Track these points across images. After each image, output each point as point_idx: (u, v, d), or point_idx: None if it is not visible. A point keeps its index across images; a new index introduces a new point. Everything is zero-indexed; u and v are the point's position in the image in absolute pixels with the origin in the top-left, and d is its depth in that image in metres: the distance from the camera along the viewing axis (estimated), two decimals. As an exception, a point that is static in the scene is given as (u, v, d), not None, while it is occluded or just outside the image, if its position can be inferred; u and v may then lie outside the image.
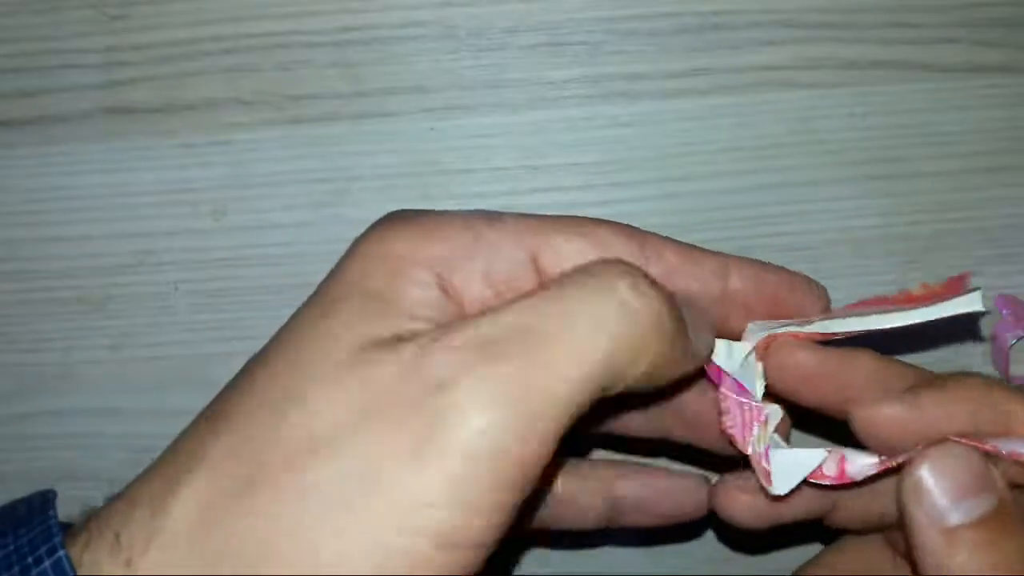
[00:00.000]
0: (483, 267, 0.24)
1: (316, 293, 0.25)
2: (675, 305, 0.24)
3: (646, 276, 0.23)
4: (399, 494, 0.20)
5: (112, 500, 0.23)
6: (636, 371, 0.22)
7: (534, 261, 0.24)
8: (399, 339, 0.22)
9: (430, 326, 0.23)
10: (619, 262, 0.24)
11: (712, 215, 0.39)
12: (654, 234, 0.26)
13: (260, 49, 0.38)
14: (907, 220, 0.39)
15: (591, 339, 0.22)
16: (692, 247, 0.27)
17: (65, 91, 0.38)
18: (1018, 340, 0.39)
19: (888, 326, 0.27)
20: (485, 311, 0.22)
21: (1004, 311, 0.39)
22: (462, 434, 0.20)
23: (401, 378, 0.21)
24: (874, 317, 0.27)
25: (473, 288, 0.24)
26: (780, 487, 0.26)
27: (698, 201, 0.39)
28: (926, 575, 0.24)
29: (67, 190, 0.39)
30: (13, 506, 0.23)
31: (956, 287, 0.27)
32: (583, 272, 0.23)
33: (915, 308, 0.27)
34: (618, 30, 0.38)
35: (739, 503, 0.28)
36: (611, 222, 0.26)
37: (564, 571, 0.41)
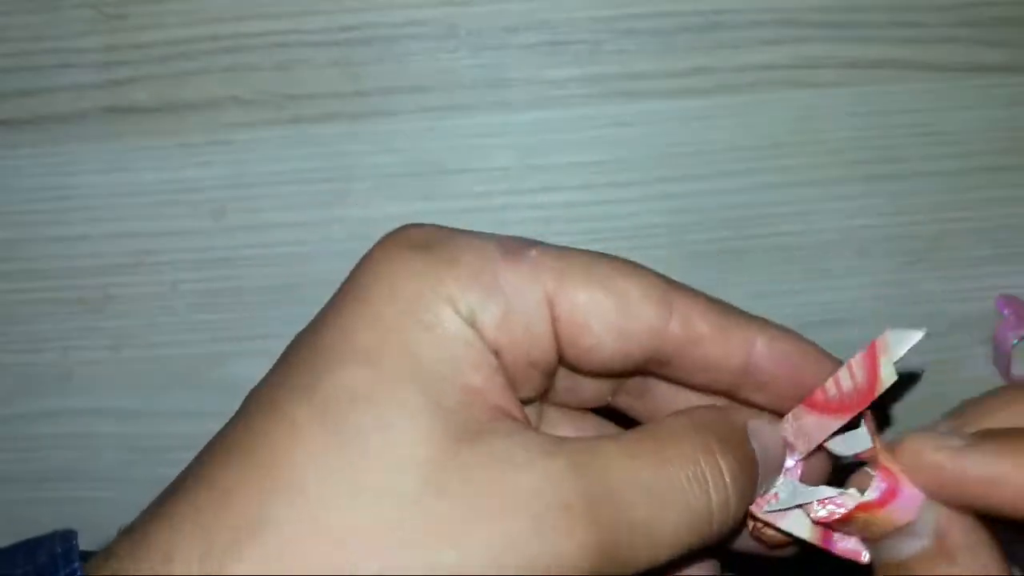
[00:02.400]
0: (501, 312, 0.23)
1: (348, 347, 0.23)
2: (750, 494, 0.24)
3: (733, 460, 0.24)
4: None
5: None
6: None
7: (550, 306, 0.24)
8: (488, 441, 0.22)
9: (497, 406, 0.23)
10: (709, 446, 0.24)
11: (713, 215, 0.38)
12: (683, 291, 0.25)
13: (259, 48, 0.38)
14: (908, 220, 0.39)
15: (674, 532, 0.23)
16: (722, 310, 0.25)
17: (64, 91, 0.38)
18: (1020, 340, 0.39)
19: (840, 452, 0.26)
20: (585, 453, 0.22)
21: (1005, 311, 0.39)
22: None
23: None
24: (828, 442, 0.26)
25: (488, 332, 0.23)
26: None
27: (698, 201, 0.38)
28: None
29: (66, 190, 0.39)
30: (33, 550, 0.23)
31: (872, 362, 0.26)
32: (677, 444, 0.23)
33: (844, 414, 0.26)
34: (618, 29, 0.38)
35: None
36: (636, 270, 0.25)
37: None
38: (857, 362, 0.26)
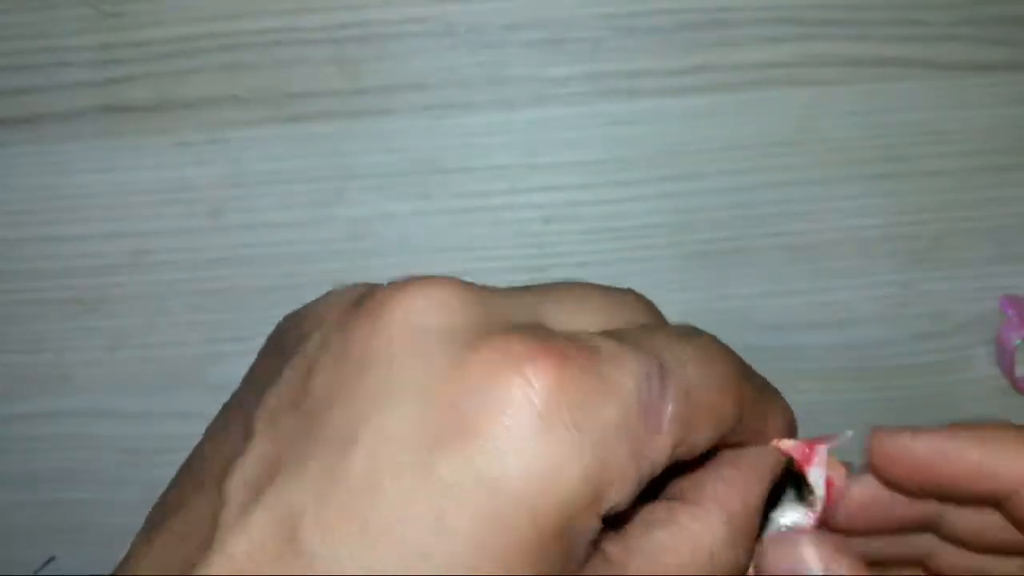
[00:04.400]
0: (637, 487, 0.22)
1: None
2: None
3: (745, 531, 0.23)
4: None
5: None
6: None
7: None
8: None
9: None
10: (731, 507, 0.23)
11: (713, 214, 0.38)
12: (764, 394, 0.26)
13: (257, 46, 0.38)
14: (910, 219, 0.39)
15: None
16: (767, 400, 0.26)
17: (61, 89, 0.38)
18: (1023, 341, 0.39)
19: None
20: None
21: (1009, 311, 0.39)
22: None
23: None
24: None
25: (617, 498, 0.23)
26: None
27: (699, 200, 0.38)
28: None
29: (62, 189, 0.38)
30: None
31: (811, 453, 0.27)
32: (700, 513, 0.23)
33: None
34: (619, 27, 0.38)
35: None
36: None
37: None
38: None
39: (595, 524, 0.20)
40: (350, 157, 0.38)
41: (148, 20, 0.38)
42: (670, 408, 0.21)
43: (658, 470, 0.21)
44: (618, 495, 0.20)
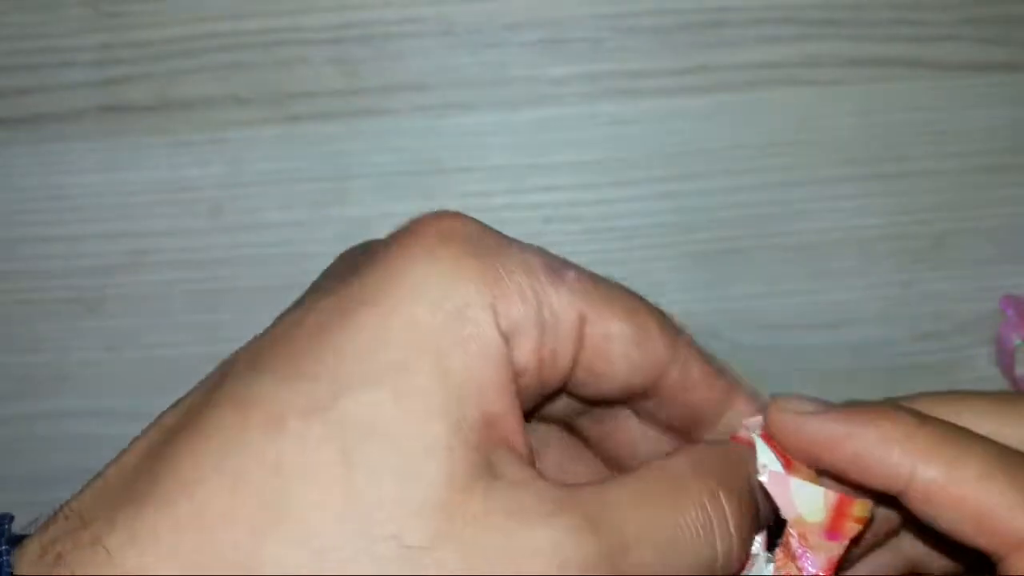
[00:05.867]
0: (538, 334, 0.23)
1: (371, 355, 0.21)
2: (751, 537, 0.24)
3: (737, 505, 0.23)
4: None
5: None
6: None
7: (579, 332, 0.23)
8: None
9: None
10: (717, 491, 0.23)
11: (714, 214, 0.38)
12: (685, 335, 0.25)
13: (257, 46, 0.38)
14: (911, 219, 0.39)
15: (672, 565, 0.22)
16: (712, 360, 0.26)
17: (60, 89, 0.38)
18: (1023, 340, 0.39)
19: None
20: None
21: (1008, 311, 0.39)
22: None
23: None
24: None
25: (521, 355, 0.22)
26: None
27: (700, 200, 0.38)
28: None
29: (62, 189, 0.38)
30: None
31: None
32: (685, 492, 0.23)
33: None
34: (619, 27, 0.38)
35: None
36: (652, 307, 0.25)
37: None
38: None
39: (499, 341, 0.21)
40: (350, 157, 0.38)
41: (147, 20, 0.38)
42: (572, 273, 0.23)
43: (562, 327, 0.22)
44: (517, 317, 0.22)
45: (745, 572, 0.26)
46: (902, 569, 0.29)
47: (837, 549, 0.25)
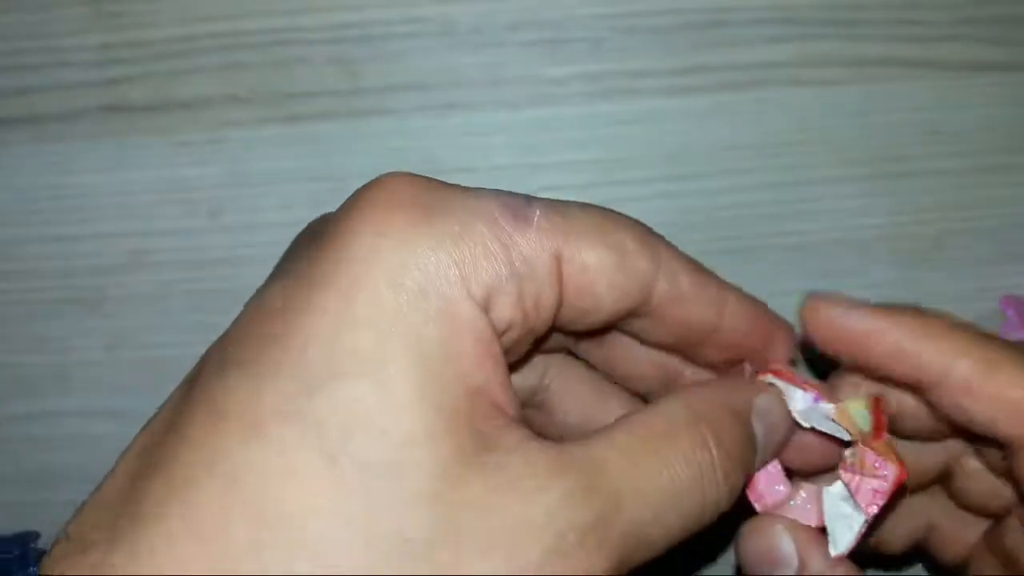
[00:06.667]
0: (516, 289, 0.22)
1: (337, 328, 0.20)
2: (741, 482, 0.24)
3: (727, 454, 0.23)
4: None
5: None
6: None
7: (557, 270, 0.23)
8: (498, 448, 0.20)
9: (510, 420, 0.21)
10: (706, 435, 0.23)
11: (715, 214, 0.38)
12: (665, 243, 0.25)
13: (256, 46, 0.38)
14: (911, 219, 0.39)
15: (670, 532, 0.22)
16: (699, 267, 0.26)
17: (60, 89, 0.38)
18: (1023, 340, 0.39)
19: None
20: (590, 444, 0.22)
21: (1009, 312, 0.39)
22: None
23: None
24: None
25: (503, 313, 0.22)
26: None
27: (700, 200, 0.38)
28: None
29: (61, 189, 0.38)
30: None
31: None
32: (675, 442, 0.23)
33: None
34: (619, 27, 0.37)
35: None
36: (626, 221, 0.24)
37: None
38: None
39: (472, 309, 0.21)
40: (349, 157, 0.38)
41: (147, 20, 0.38)
42: (537, 210, 0.22)
43: (539, 273, 0.22)
44: (489, 277, 0.21)
45: (826, 510, 0.26)
46: (923, 532, 0.29)
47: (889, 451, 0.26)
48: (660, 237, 0.25)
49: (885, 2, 0.37)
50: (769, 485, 0.27)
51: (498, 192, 0.23)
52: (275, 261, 0.39)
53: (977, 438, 0.25)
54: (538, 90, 0.38)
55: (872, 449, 0.26)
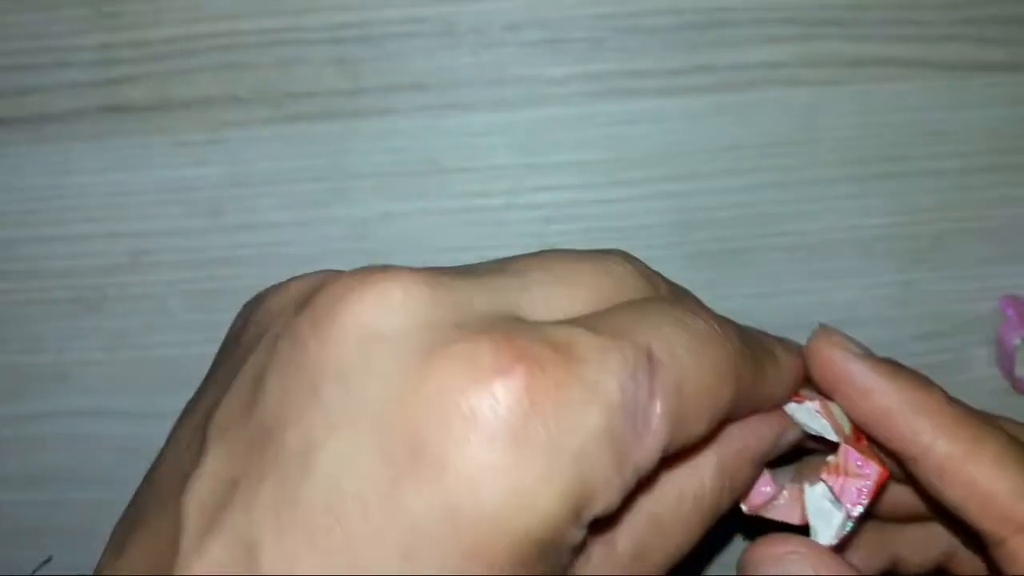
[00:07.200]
0: (618, 500, 0.20)
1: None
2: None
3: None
4: None
5: None
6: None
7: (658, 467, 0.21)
8: None
9: None
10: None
11: (714, 214, 0.38)
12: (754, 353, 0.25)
13: (257, 46, 0.38)
14: (910, 219, 0.39)
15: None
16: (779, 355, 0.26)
17: (59, 89, 0.38)
18: (1023, 341, 0.38)
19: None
20: None
21: (1009, 312, 0.39)
22: None
23: None
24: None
25: (596, 514, 0.20)
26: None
27: (700, 200, 0.38)
28: None
29: (61, 189, 0.38)
30: None
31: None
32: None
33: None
34: (619, 27, 0.37)
35: None
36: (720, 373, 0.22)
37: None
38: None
39: (578, 536, 0.19)
40: (350, 157, 0.38)
41: (147, 20, 0.38)
42: (659, 406, 0.19)
43: (647, 472, 0.20)
44: (603, 505, 0.19)
45: (808, 508, 0.26)
46: (944, 558, 0.29)
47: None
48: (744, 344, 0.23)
49: (885, 2, 0.37)
50: (756, 486, 0.27)
51: (619, 381, 0.19)
52: (275, 261, 0.39)
53: (959, 523, 0.25)
54: (538, 90, 0.38)
55: (855, 449, 0.26)
